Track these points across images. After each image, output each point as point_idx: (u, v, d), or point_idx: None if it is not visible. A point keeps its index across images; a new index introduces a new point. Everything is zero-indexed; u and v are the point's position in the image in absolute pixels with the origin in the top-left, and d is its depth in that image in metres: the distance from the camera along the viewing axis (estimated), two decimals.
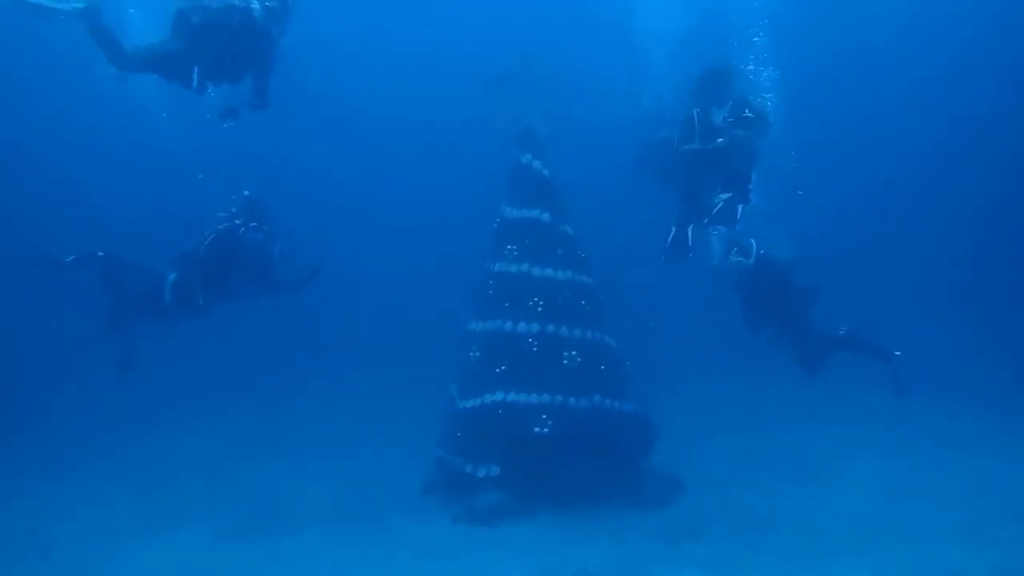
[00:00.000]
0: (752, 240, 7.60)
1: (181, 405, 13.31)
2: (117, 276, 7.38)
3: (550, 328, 8.40)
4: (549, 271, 8.63)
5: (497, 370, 8.34)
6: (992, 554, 6.33)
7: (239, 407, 13.38)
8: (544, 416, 8.04)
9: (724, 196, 7.43)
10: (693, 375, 14.06)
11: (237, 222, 7.29)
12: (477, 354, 8.61)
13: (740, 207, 7.52)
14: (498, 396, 8.19)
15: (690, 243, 7.59)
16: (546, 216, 8.86)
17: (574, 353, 8.38)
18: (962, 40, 18.43)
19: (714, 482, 8.77)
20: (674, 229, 7.65)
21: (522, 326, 8.42)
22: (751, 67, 8.92)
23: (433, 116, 18.76)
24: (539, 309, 8.47)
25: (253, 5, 6.52)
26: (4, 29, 14.61)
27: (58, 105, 17.44)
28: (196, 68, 6.52)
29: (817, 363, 7.56)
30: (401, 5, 18.77)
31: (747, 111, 7.20)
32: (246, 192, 7.50)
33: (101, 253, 7.31)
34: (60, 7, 6.06)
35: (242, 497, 8.89)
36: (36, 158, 17.81)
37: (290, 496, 8.89)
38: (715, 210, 7.46)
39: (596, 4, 15.38)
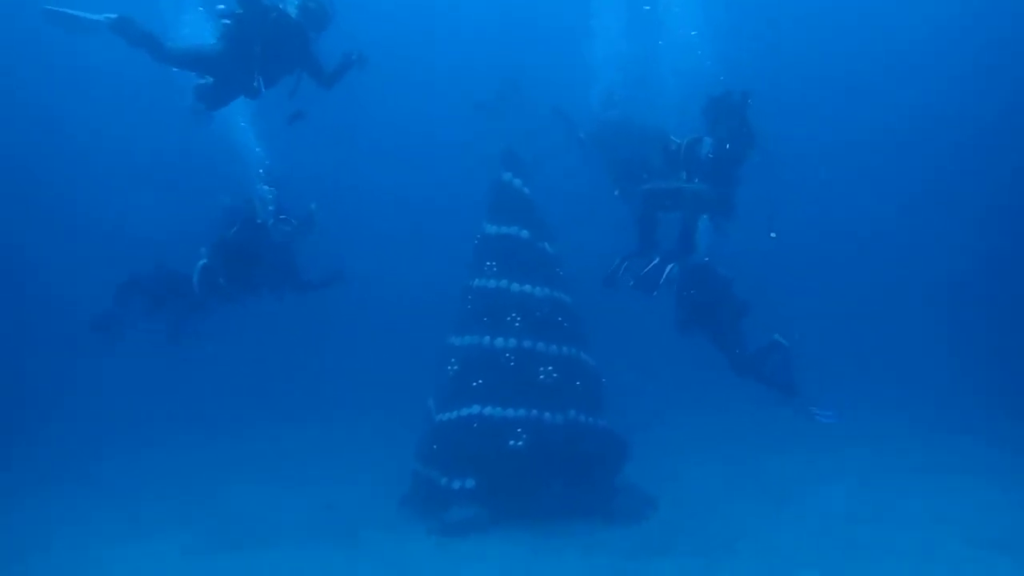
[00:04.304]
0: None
1: (159, 419, 13.35)
2: (148, 286, 7.57)
3: (527, 344, 8.52)
4: (527, 287, 8.76)
5: (474, 384, 8.44)
6: (942, 571, 6.51)
7: (217, 421, 13.38)
8: (519, 430, 8.13)
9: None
10: (669, 395, 14.17)
11: (264, 216, 7.45)
12: (455, 368, 8.71)
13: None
14: (474, 409, 8.27)
15: (663, 280, 7.59)
16: (525, 233, 9.01)
17: (550, 368, 8.49)
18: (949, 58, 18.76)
19: (684, 501, 8.85)
20: (657, 259, 7.67)
21: (499, 341, 8.54)
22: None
23: (420, 135, 19.05)
24: (516, 325, 8.59)
25: (290, 6, 6.72)
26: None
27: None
28: (259, 78, 6.69)
29: (747, 368, 7.61)
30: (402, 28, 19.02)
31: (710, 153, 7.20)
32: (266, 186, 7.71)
33: (125, 278, 7.51)
34: (94, 19, 6.29)
35: (217, 510, 8.92)
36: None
37: (266, 510, 8.93)
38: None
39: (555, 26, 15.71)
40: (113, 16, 6.30)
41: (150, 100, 11.78)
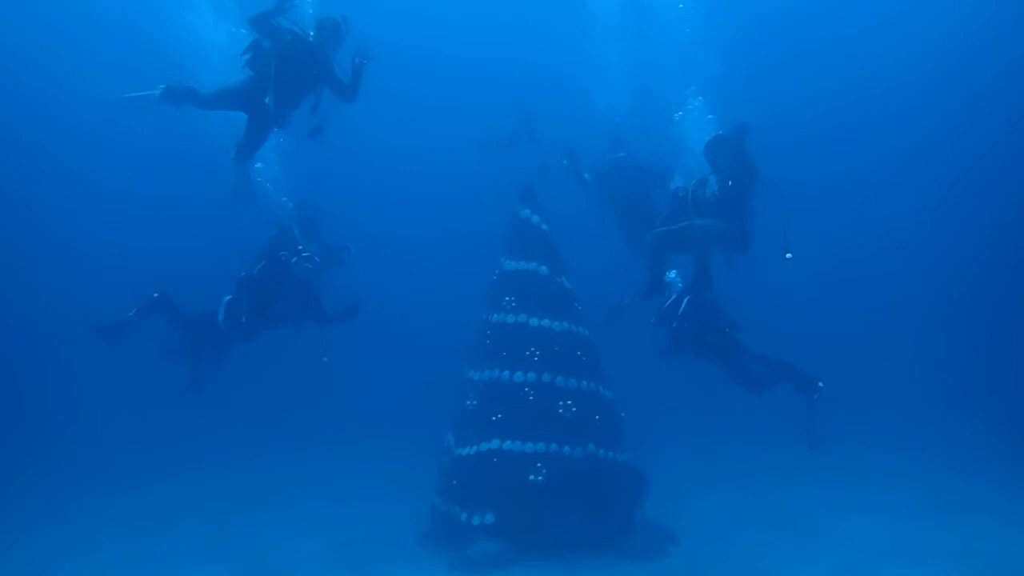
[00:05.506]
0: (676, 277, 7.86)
1: (179, 453, 13.38)
2: (176, 311, 7.69)
3: (546, 378, 8.56)
4: (546, 322, 8.83)
5: (493, 418, 8.48)
6: None
7: (235, 456, 13.42)
8: (539, 464, 8.15)
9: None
10: (691, 431, 14.13)
11: (286, 253, 7.65)
12: (474, 402, 8.75)
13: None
14: (494, 444, 8.30)
15: (681, 311, 7.67)
16: (543, 269, 9.12)
17: (569, 403, 8.52)
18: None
19: (705, 536, 8.82)
20: (674, 296, 7.78)
21: (519, 375, 8.59)
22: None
23: (434, 172, 19.31)
24: (535, 359, 8.65)
25: (306, 27, 7.03)
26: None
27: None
28: (271, 95, 7.01)
29: (760, 385, 7.60)
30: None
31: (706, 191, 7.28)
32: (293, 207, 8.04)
33: (156, 294, 7.62)
34: (149, 93, 6.98)
35: (238, 546, 8.94)
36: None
37: (286, 545, 8.94)
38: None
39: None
40: (162, 87, 6.99)
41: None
